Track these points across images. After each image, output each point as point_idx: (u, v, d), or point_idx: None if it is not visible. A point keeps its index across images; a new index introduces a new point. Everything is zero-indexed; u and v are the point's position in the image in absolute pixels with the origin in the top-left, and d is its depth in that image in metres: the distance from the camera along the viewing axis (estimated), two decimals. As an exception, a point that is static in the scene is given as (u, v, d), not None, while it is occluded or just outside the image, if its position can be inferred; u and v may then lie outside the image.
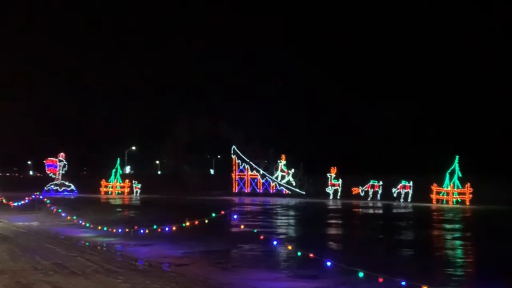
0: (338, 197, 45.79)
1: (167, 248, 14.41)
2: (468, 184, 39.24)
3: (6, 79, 64.95)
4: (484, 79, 60.83)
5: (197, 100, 69.25)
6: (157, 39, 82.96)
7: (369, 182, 44.75)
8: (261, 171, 50.09)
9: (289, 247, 11.52)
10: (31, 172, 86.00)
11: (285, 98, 66.55)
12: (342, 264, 10.17)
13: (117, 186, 49.93)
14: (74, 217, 20.75)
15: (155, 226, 16.15)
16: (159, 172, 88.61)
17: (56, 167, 49.38)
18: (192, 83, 79.59)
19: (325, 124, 66.75)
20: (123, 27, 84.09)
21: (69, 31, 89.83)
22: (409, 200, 42.08)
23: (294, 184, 49.77)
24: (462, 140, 51.74)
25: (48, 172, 50.09)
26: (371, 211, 34.31)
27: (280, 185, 49.79)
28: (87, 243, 15.49)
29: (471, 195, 39.11)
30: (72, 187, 49.54)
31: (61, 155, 49.61)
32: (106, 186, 49.92)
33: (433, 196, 40.41)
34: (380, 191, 44.38)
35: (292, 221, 25.56)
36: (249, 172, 50.43)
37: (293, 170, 49.97)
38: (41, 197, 24.82)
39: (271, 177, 50.01)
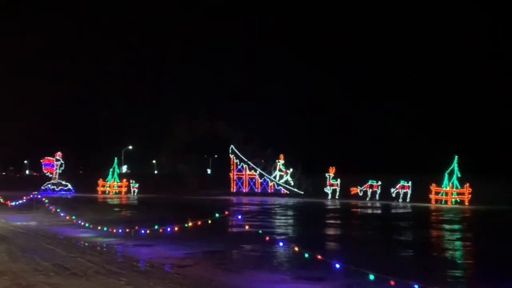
0: (337, 197, 45.64)
1: (169, 248, 14.22)
2: (467, 184, 39.11)
3: (3, 79, 64.67)
4: (484, 79, 60.82)
5: (195, 99, 69.15)
6: (156, 39, 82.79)
7: (368, 182, 44.57)
8: (259, 171, 49.88)
9: (296, 249, 11.26)
10: (27, 172, 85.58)
11: (284, 98, 66.41)
12: (350, 266, 9.92)
13: (114, 186, 49.66)
14: (73, 217, 20.53)
15: (156, 227, 15.94)
16: (155, 172, 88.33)
17: (53, 166, 49.10)
18: (191, 82, 79.49)
19: (323, 124, 66.67)
20: (122, 27, 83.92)
21: (68, 31, 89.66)
22: (408, 200, 41.93)
23: (292, 183, 49.59)
24: (461, 140, 51.68)
25: (45, 172, 49.80)
26: (371, 211, 34.14)
27: (278, 184, 49.62)
28: (86, 244, 15.30)
29: (470, 195, 38.99)
30: (69, 186, 49.26)
31: (58, 154, 49.34)
32: (103, 186, 49.64)
33: (432, 196, 40.27)
34: (378, 191, 44.22)
35: (292, 221, 25.36)
36: (247, 172, 50.22)
37: (291, 169, 49.79)
38: (39, 196, 24.53)
39: (269, 176, 49.83)
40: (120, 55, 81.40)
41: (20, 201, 25.08)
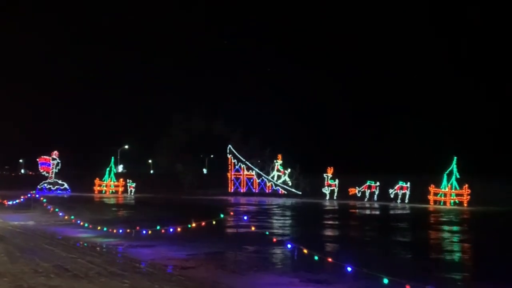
0: (335, 198, 45.43)
1: (171, 249, 13.98)
2: (466, 185, 38.99)
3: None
4: (483, 79, 60.82)
5: (193, 99, 68.89)
6: (154, 39, 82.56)
7: (366, 182, 44.38)
8: (257, 171, 49.65)
9: (305, 251, 11.01)
10: (22, 171, 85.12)
11: (283, 98, 66.28)
12: (362, 269, 9.67)
13: (111, 185, 49.33)
14: (72, 217, 20.27)
15: (158, 227, 15.68)
16: (151, 171, 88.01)
17: (49, 165, 48.73)
18: (189, 82, 79.26)
19: (322, 124, 66.55)
20: (120, 27, 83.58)
21: (67, 30, 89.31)
22: (406, 201, 41.76)
23: (290, 184, 49.40)
24: (460, 141, 51.61)
25: (41, 171, 49.43)
26: (371, 212, 33.98)
27: (276, 185, 49.41)
28: (85, 244, 15.06)
29: (468, 197, 38.88)
30: (66, 185, 48.92)
31: (55, 153, 48.97)
32: (100, 185, 49.31)
33: (431, 197, 40.15)
34: (377, 192, 44.03)
35: (292, 222, 25.10)
36: (245, 172, 49.98)
37: (289, 170, 49.59)
38: (37, 195, 24.26)
39: (267, 177, 49.61)
40: (118, 54, 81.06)
41: (18, 201, 24.80)
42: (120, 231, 16.72)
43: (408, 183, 42.23)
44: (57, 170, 49.18)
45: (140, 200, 39.72)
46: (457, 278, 11.50)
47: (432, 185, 40.23)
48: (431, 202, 39.80)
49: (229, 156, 50.27)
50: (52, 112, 78.64)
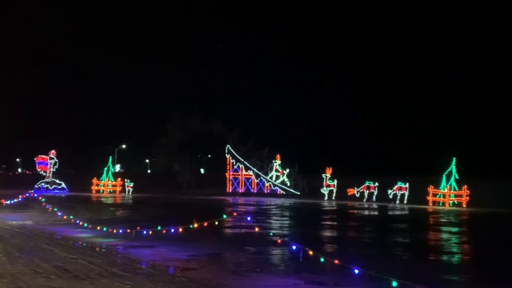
0: (333, 198, 45.24)
1: (171, 250, 13.83)
2: (465, 186, 38.90)
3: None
4: (483, 79, 60.87)
5: (191, 98, 68.81)
6: (153, 39, 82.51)
7: (365, 183, 44.25)
8: (255, 171, 49.50)
9: (311, 252, 10.86)
10: (19, 170, 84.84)
11: (281, 98, 66.23)
12: (370, 272, 9.53)
13: (108, 185, 49.10)
14: (71, 217, 20.09)
15: (159, 227, 15.52)
16: (148, 171, 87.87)
17: (46, 164, 48.46)
18: (187, 81, 79.17)
19: (321, 124, 66.50)
20: (119, 26, 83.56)
21: (66, 30, 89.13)
22: (405, 201, 41.62)
23: (288, 184, 49.26)
24: (459, 142, 51.58)
25: (39, 170, 49.15)
26: (369, 213, 33.85)
27: (274, 185, 49.26)
28: (84, 244, 14.90)
29: (467, 197, 38.78)
30: (63, 185, 48.65)
31: (52, 153, 48.69)
32: (97, 185, 49.06)
33: (429, 198, 40.00)
34: (375, 192, 43.88)
35: (292, 222, 24.92)
36: (244, 172, 49.83)
37: (288, 170, 49.44)
38: (35, 195, 24.06)
39: (265, 177, 49.46)
40: (115, 54, 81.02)
41: (16, 200, 24.59)
42: (120, 231, 16.55)
43: (407, 183, 42.06)
44: (54, 170, 48.90)
45: (139, 200, 39.52)
46: (458, 279, 11.44)
47: (431, 186, 40.10)
48: (430, 203, 39.65)
49: (227, 156, 50.10)
50: (50, 111, 78.43)
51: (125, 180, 48.86)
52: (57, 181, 48.74)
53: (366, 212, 33.79)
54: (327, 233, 20.45)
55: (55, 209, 21.72)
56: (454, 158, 39.75)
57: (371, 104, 65.10)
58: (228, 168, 50.22)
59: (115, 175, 51.65)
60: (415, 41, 69.35)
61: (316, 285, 10.04)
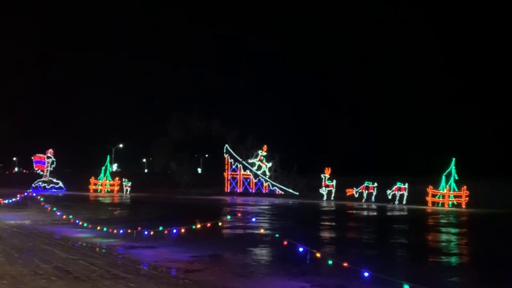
0: (332, 198, 45.08)
1: (173, 251, 13.62)
2: (465, 187, 38.77)
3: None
4: (483, 80, 60.83)
5: (190, 98, 68.67)
6: (151, 39, 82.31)
7: (364, 183, 44.08)
8: (254, 171, 49.30)
9: (318, 255, 10.66)
10: (16, 169, 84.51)
11: (280, 98, 66.12)
12: (381, 275, 9.31)
13: (106, 184, 48.85)
14: (70, 216, 19.87)
15: (161, 228, 15.30)
16: (145, 170, 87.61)
17: (44, 163, 48.18)
18: (186, 81, 79.00)
19: (320, 124, 66.38)
20: (119, 26, 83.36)
21: (65, 29, 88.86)
22: (404, 202, 41.47)
23: (269, 175, 49.12)
24: (458, 142, 51.49)
25: (36, 169, 48.88)
26: (368, 213, 33.68)
27: (273, 185, 49.08)
28: (84, 244, 14.69)
29: (467, 198, 38.66)
30: (61, 184, 48.41)
31: (50, 152, 48.42)
32: (95, 184, 48.82)
33: (429, 199, 39.86)
34: (374, 193, 43.72)
35: (292, 223, 24.75)
36: (242, 172, 49.64)
37: (271, 163, 49.20)
38: (34, 194, 23.81)
39: (264, 177, 49.28)
40: (113, 54, 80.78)
41: (14, 199, 24.33)
42: (121, 231, 16.34)
43: (406, 184, 41.92)
44: (52, 169, 48.65)
45: (137, 200, 39.28)
46: (461, 281, 11.36)
47: (430, 186, 39.96)
48: (429, 204, 39.50)
49: (225, 156, 49.90)
50: (47, 110, 78.14)
51: (123, 179, 48.61)
52: (55, 180, 48.49)
53: (365, 213, 33.61)
54: (326, 234, 20.26)
55: (54, 209, 21.48)
56: (454, 159, 39.61)
57: (370, 104, 65.01)
58: (226, 168, 50.04)
59: (113, 175, 51.40)
60: (415, 41, 69.30)
61: (323, 287, 9.85)
